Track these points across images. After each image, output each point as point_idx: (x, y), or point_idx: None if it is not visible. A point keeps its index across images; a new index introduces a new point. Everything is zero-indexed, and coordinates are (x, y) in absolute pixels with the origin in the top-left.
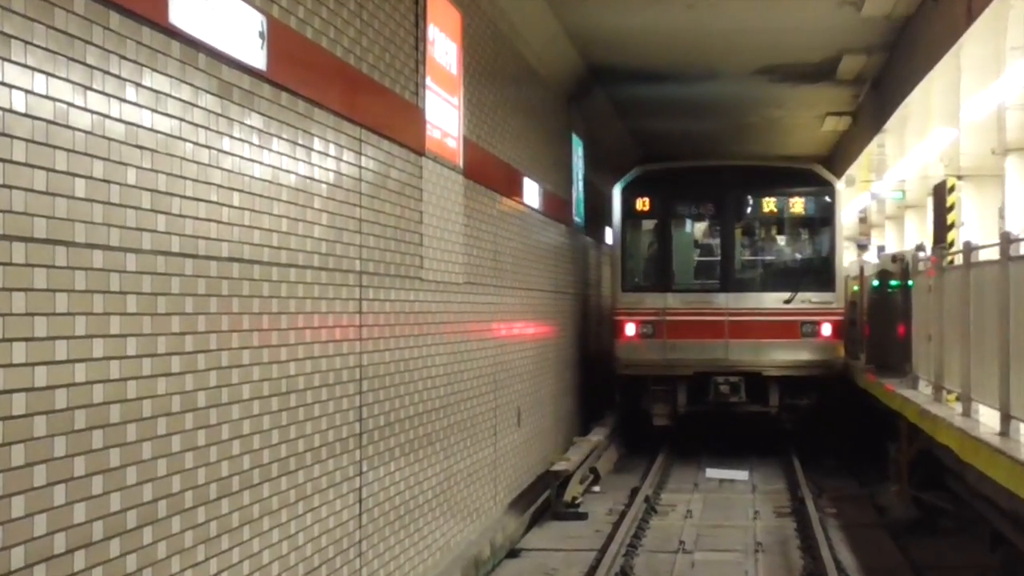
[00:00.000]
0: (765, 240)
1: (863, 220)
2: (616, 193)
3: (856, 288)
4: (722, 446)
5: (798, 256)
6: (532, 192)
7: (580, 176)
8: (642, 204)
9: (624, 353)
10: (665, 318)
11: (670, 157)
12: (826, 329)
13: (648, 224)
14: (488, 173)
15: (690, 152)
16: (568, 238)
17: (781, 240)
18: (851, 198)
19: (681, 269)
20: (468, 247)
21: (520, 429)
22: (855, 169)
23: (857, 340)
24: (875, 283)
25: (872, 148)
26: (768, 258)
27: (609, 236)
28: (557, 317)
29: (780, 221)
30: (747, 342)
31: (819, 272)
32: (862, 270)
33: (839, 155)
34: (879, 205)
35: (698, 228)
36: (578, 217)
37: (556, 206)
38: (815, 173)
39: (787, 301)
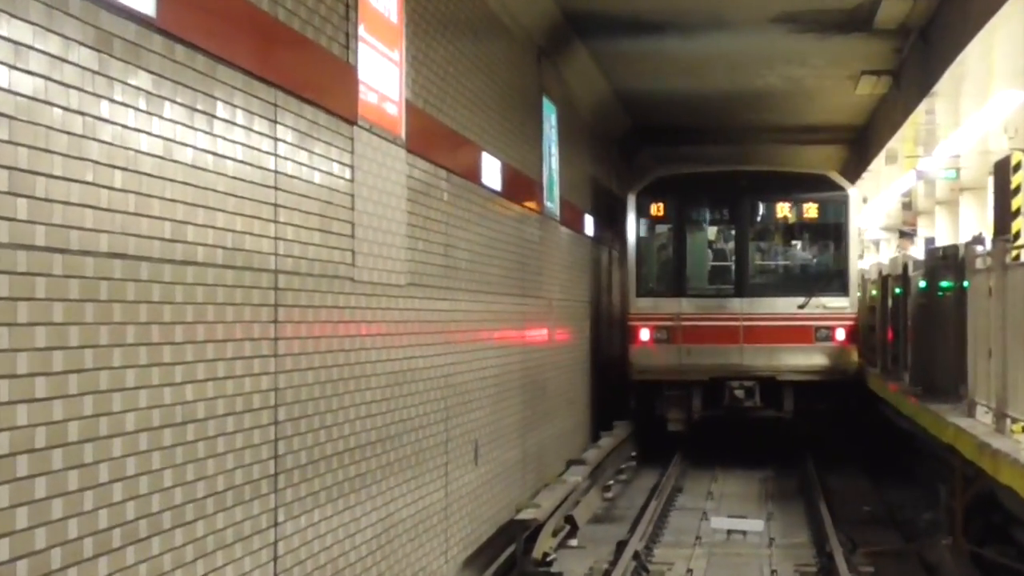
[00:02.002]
0: (779, 245)
1: (907, 206)
2: (630, 198)
3: (875, 292)
4: (735, 459)
5: (812, 261)
6: (493, 171)
7: (553, 150)
8: (656, 209)
9: (638, 359)
10: (680, 323)
11: (666, 127)
12: (840, 334)
13: (662, 229)
14: (437, 146)
15: (689, 120)
16: (541, 228)
17: (795, 245)
18: (893, 178)
19: (695, 274)
20: (412, 240)
21: (478, 467)
22: (897, 142)
23: (877, 348)
24: (922, 284)
25: (919, 116)
26: (782, 263)
27: (590, 227)
28: (536, 324)
29: (794, 226)
30: (761, 347)
31: (833, 277)
32: (905, 268)
33: (877, 125)
34: (927, 187)
35: (712, 233)
36: (550, 202)
37: (522, 187)
38: (829, 179)
39: (801, 306)
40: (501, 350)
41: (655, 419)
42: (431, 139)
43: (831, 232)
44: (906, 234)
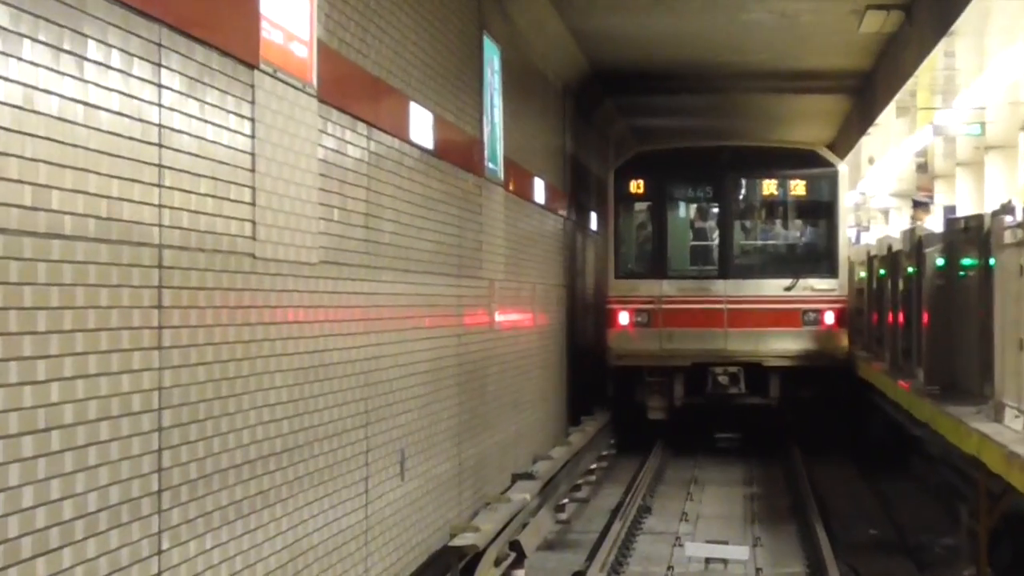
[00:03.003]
0: (765, 225)
1: (922, 168)
2: (609, 175)
3: (883, 271)
4: (718, 457)
5: (799, 241)
6: (423, 125)
7: (496, 100)
8: (636, 187)
9: (617, 343)
10: (661, 306)
11: (632, 73)
12: (829, 318)
13: (642, 208)
14: (356, 96)
15: (660, 65)
16: (482, 195)
17: (781, 225)
18: (905, 135)
19: (677, 255)
20: (326, 209)
21: (405, 483)
22: (910, 92)
23: (885, 339)
24: (939, 262)
25: (936, 59)
26: (768, 243)
27: (551, 198)
28: (476, 310)
29: (780, 205)
30: (746, 331)
31: (821, 258)
32: (919, 243)
33: (885, 70)
34: (946, 145)
35: (695, 212)
36: (492, 163)
37: (459, 145)
38: (818, 155)
39: (788, 288)
40: (433, 341)
41: (634, 407)
42: (348, 87)
43: (820, 211)
44: (921, 203)
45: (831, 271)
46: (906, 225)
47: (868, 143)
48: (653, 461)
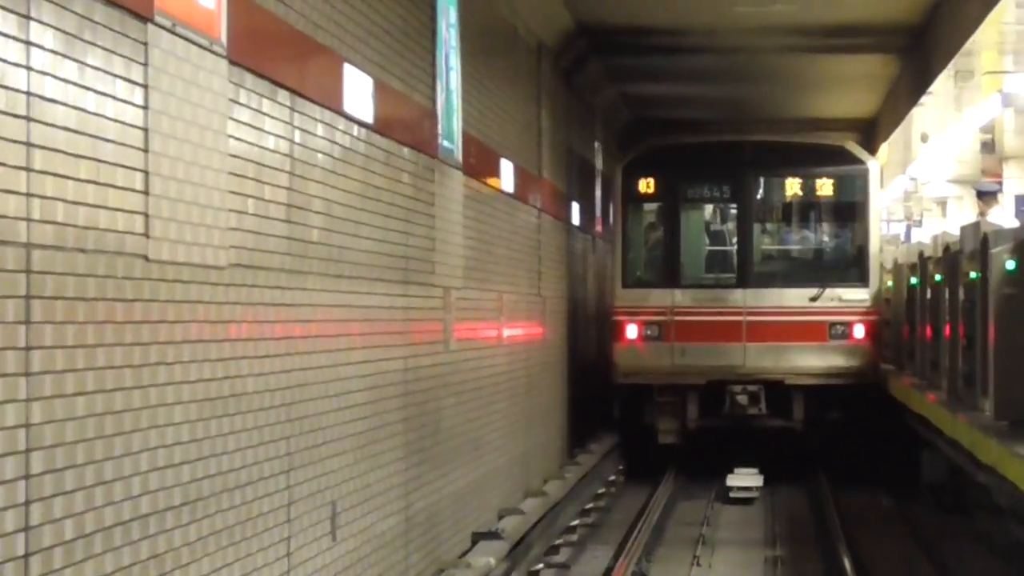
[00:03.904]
0: (788, 228)
1: (988, 147)
2: (616, 172)
3: (939, 277)
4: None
5: (826, 247)
6: (360, 92)
7: (452, 62)
8: (646, 186)
9: (624, 359)
10: (673, 318)
11: (623, 27)
12: (858, 331)
13: (653, 209)
14: (275, 55)
15: (657, 16)
16: (436, 180)
17: (807, 228)
18: (967, 106)
19: (691, 261)
20: (239, 199)
21: (337, 543)
22: (973, 51)
23: (941, 361)
24: (1009, 265)
25: (1006, 9)
26: (792, 249)
27: (508, 183)
28: (427, 325)
29: (806, 206)
30: (768, 346)
31: (850, 265)
32: (985, 241)
33: (941, 24)
34: (1019, 119)
35: (711, 213)
36: (447, 140)
37: (405, 117)
38: (847, 151)
39: (813, 299)
40: (373, 365)
41: (643, 430)
42: (267, 45)
43: (849, 212)
44: (987, 193)
45: (861, 279)
46: (968, 219)
47: (920, 116)
48: (660, 498)
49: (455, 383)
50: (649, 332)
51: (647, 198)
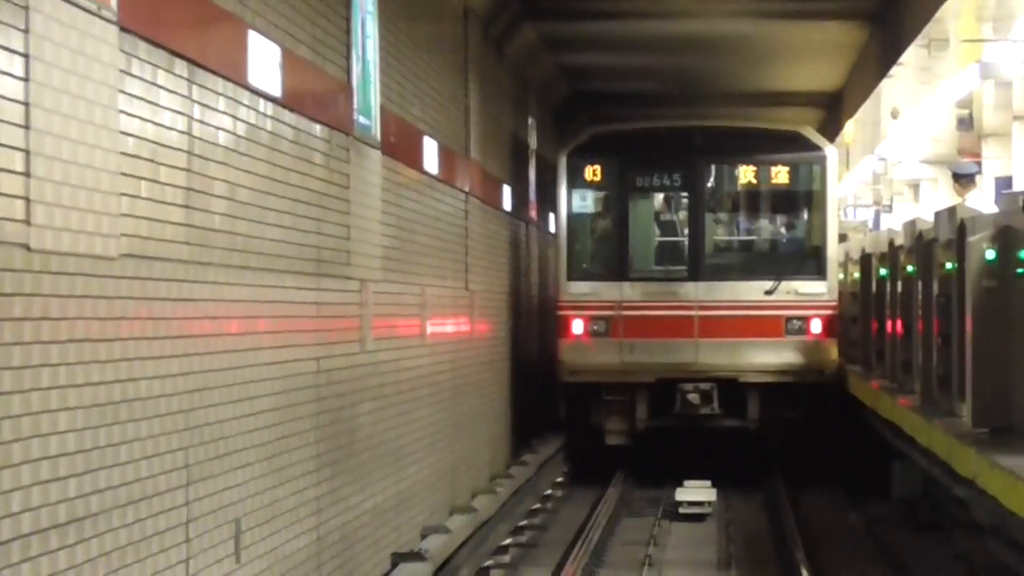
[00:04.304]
0: (742, 218)
1: (965, 123)
2: (560, 160)
3: (911, 268)
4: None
5: (782, 237)
6: (267, 62)
7: (369, 29)
8: (592, 174)
9: (570, 356)
10: (621, 313)
11: None
12: (816, 326)
13: (600, 198)
14: (171, 20)
15: None
16: (352, 160)
17: (761, 218)
18: (942, 78)
19: (640, 253)
20: (131, 182)
21: (242, 565)
22: (948, 18)
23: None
24: (989, 255)
25: None
26: (746, 240)
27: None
28: (344, 322)
29: (760, 195)
30: (721, 342)
31: (807, 257)
32: (962, 228)
33: None
34: (999, 92)
35: (661, 203)
36: (363, 116)
37: (318, 90)
38: (803, 137)
39: (769, 292)
40: (281, 368)
41: (591, 431)
42: (161, 9)
43: (805, 201)
44: (964, 175)
45: (819, 271)
46: (943, 203)
47: (891, 90)
48: (603, 512)
49: (373, 386)
50: (596, 328)
51: (593, 187)
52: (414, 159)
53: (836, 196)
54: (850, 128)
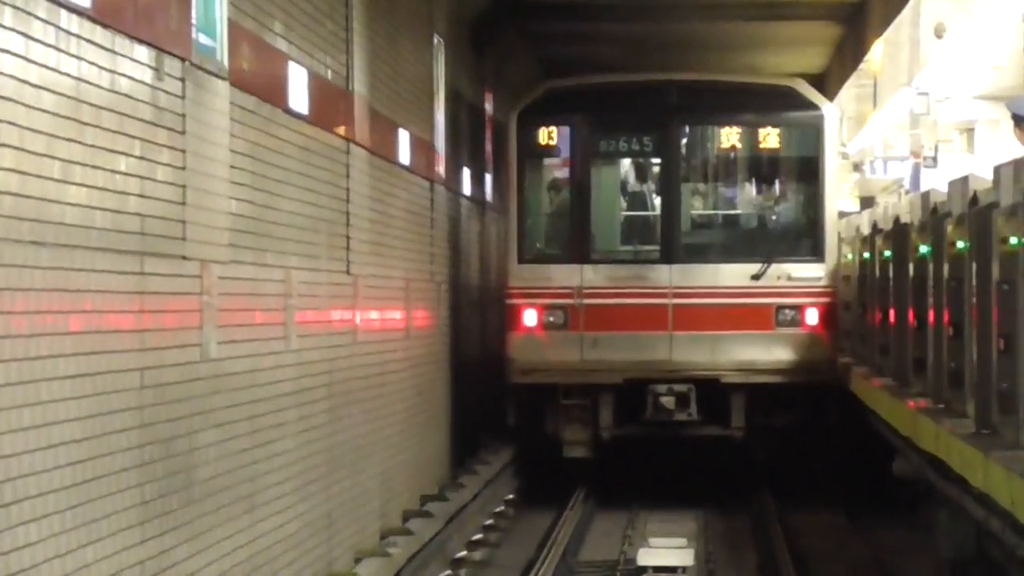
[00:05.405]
0: (724, 189)
1: None
2: (511, 120)
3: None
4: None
5: (771, 212)
6: None
7: None
8: (547, 136)
9: (521, 352)
10: (581, 301)
11: None
12: (811, 316)
13: (556, 165)
14: None
15: None
16: (189, 93)
17: (747, 189)
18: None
19: (604, 231)
20: None
21: None
22: None
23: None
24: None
25: None
26: (729, 215)
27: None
28: (194, 320)
29: (746, 162)
30: (699, 335)
31: (801, 235)
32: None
33: None
34: None
35: (629, 171)
36: (204, 33)
37: (138, 2)
38: (796, 93)
39: (756, 276)
40: (89, 382)
41: (545, 440)
42: None
43: (799, 169)
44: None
45: (814, 253)
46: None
47: (933, 6)
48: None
49: (219, 407)
50: (552, 319)
51: (548, 152)
52: (275, 94)
53: (836, 163)
54: (878, 52)
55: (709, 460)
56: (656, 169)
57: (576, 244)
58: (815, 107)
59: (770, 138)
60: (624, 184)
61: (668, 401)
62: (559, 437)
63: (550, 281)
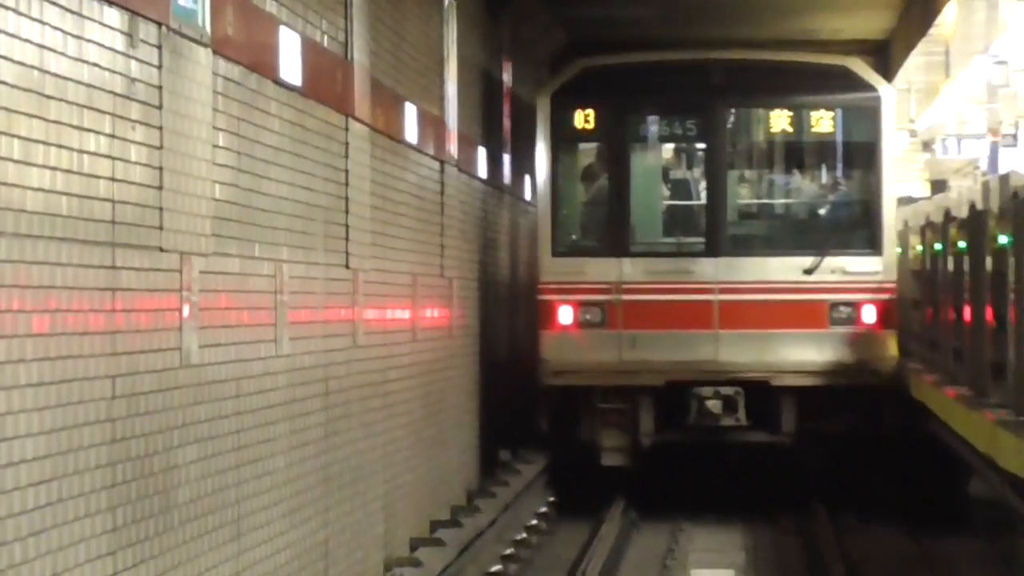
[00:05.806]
0: (774, 176)
1: None
2: (541, 103)
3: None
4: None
5: (825, 201)
6: None
7: None
8: (583, 120)
9: (555, 352)
10: (620, 297)
11: None
12: (868, 314)
13: (592, 150)
14: None
15: None
16: (164, 62)
17: (798, 176)
18: None
19: (644, 221)
20: None
21: None
22: None
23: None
24: None
25: None
26: (779, 204)
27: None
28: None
29: (797, 147)
30: (748, 334)
31: (856, 226)
32: None
33: None
34: None
35: (671, 157)
36: None
37: None
38: (852, 73)
39: (808, 270)
40: (54, 391)
41: (581, 448)
42: None
43: (854, 155)
44: None
45: (871, 244)
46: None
47: None
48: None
49: (202, 420)
50: (588, 316)
51: (584, 136)
52: (264, 63)
53: (894, 148)
54: (951, 14)
55: (755, 469)
56: (700, 155)
57: (614, 236)
58: (872, 88)
59: (823, 122)
60: (666, 171)
61: (714, 405)
62: (595, 444)
63: (586, 276)
